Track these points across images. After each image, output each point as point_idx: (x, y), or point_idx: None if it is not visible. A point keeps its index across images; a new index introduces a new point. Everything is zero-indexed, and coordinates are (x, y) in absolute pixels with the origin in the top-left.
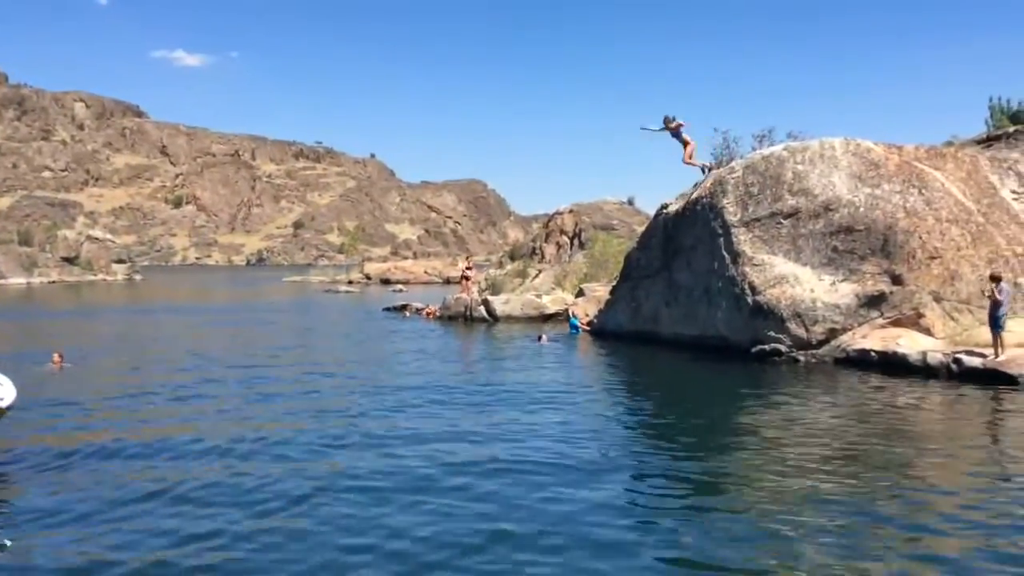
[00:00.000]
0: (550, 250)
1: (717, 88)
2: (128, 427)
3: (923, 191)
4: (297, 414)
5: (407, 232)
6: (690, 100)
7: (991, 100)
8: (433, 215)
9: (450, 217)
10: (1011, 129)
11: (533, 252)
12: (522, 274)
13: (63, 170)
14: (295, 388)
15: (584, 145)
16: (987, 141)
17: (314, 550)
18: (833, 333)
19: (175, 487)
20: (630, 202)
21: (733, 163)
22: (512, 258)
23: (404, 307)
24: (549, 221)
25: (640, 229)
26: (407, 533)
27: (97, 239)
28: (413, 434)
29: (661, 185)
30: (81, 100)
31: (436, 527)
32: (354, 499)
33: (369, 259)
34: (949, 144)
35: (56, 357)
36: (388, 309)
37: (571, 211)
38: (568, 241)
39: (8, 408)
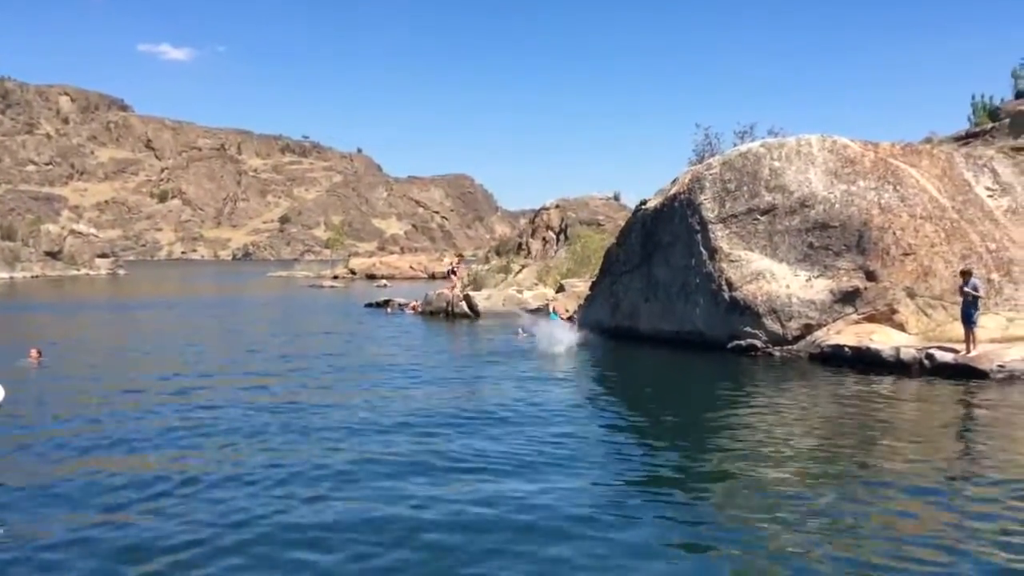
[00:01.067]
0: (536, 245)
1: (703, 83)
2: (93, 421)
3: (898, 188)
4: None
5: (394, 227)
6: (676, 95)
7: (974, 98)
8: (420, 210)
9: (437, 212)
10: (988, 126)
11: (520, 247)
12: (505, 270)
13: (47, 164)
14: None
15: (572, 141)
16: (965, 139)
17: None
18: (808, 329)
19: (140, 476)
20: (616, 198)
21: (711, 160)
22: (498, 253)
23: (387, 303)
24: (535, 217)
25: None
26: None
27: (80, 234)
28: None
29: (648, 181)
30: (66, 94)
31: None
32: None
33: (356, 254)
34: (928, 141)
35: (34, 353)
36: (370, 305)
37: (557, 206)
38: (554, 236)
39: None
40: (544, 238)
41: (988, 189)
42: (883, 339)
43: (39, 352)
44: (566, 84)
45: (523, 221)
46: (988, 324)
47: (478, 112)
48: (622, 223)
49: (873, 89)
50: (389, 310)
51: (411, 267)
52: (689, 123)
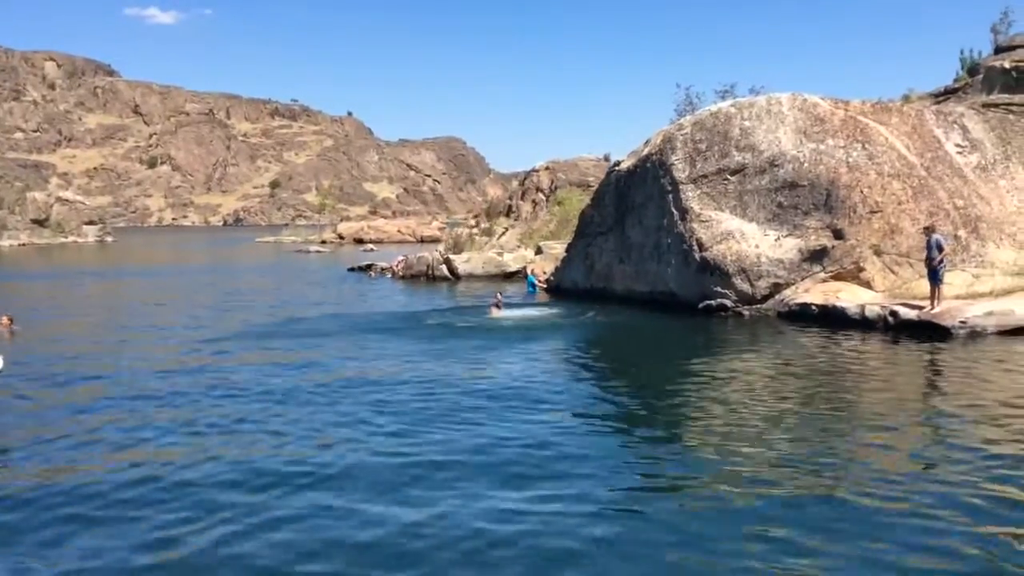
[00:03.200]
0: (526, 207)
1: (696, 42)
2: (53, 386)
3: (867, 146)
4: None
5: (386, 191)
6: (669, 54)
7: (962, 53)
8: (412, 173)
9: (429, 175)
10: (964, 83)
11: (510, 210)
12: (488, 232)
13: (35, 131)
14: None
15: (565, 102)
16: (944, 95)
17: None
18: (777, 288)
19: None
20: (607, 158)
21: (682, 120)
22: (488, 216)
23: (369, 267)
24: (525, 178)
25: None
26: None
27: (67, 201)
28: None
29: (638, 142)
30: (52, 59)
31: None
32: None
33: (347, 218)
34: (906, 98)
35: (5, 320)
36: (352, 269)
37: (547, 168)
38: (544, 198)
39: None
40: (534, 200)
41: (958, 146)
42: (849, 297)
43: (10, 319)
44: (559, 45)
45: (515, 183)
46: (954, 281)
47: (470, 74)
48: None
49: (871, 43)
50: (372, 274)
51: (399, 231)
52: (682, 81)
